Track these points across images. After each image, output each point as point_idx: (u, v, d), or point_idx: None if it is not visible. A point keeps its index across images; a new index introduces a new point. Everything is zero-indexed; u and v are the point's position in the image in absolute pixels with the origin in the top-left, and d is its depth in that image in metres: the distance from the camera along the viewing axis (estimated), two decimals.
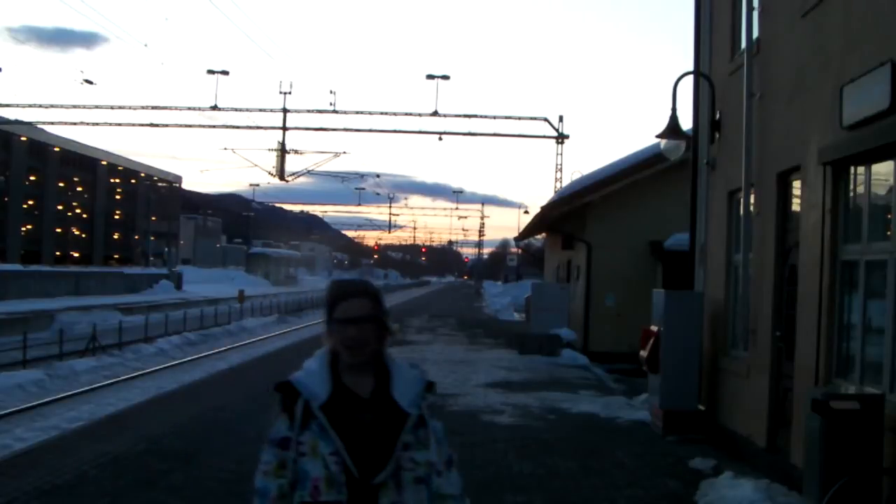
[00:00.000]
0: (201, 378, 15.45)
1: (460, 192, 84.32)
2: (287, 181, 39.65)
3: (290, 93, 35.29)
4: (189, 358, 19.64)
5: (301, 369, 2.35)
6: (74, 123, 36.83)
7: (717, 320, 9.98)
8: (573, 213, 20.52)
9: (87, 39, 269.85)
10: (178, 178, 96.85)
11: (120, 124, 36.50)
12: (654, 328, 10.26)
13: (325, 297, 2.41)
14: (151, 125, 35.85)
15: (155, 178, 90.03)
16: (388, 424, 2.26)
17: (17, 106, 35.62)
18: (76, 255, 74.21)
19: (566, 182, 31.21)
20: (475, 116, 35.20)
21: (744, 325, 8.89)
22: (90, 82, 34.70)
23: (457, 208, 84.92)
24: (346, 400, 2.28)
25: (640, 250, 18.85)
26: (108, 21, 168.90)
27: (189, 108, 35.27)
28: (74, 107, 35.33)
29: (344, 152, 68.99)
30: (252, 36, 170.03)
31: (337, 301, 2.36)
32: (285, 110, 35.16)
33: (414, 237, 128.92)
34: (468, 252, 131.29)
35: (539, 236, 34.93)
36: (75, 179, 74.96)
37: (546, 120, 35.64)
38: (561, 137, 35.55)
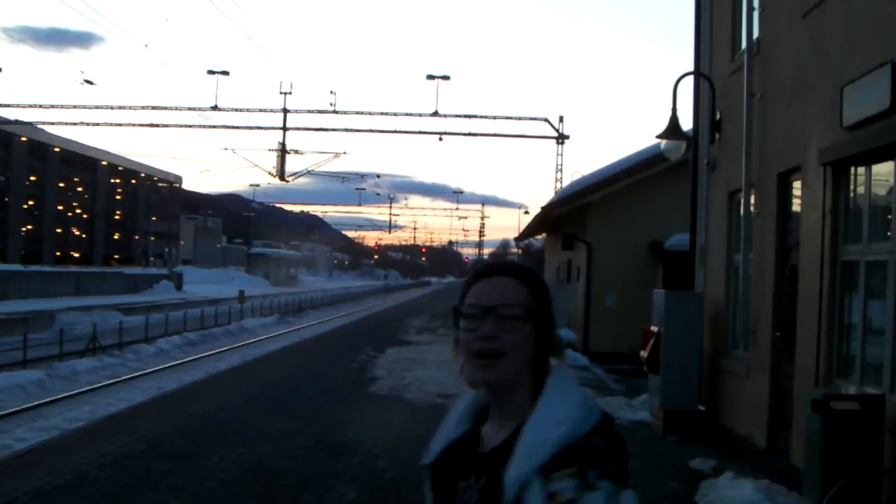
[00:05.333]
0: (201, 378, 15.45)
1: (460, 192, 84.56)
2: (287, 181, 39.68)
3: (290, 93, 35.29)
4: (189, 358, 19.60)
5: None
6: (74, 123, 36.85)
7: (718, 320, 9.98)
8: (573, 214, 20.50)
9: (83, 39, 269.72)
10: (179, 179, 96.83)
11: (120, 124, 36.50)
12: (654, 328, 10.26)
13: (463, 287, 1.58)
14: (151, 125, 35.87)
15: (155, 179, 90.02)
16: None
17: (17, 106, 35.67)
18: (76, 255, 74.19)
19: (566, 182, 31.20)
20: (475, 117, 35.24)
21: (744, 326, 8.90)
22: (90, 82, 34.69)
23: (457, 208, 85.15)
24: (463, 455, 1.51)
25: (640, 251, 18.84)
26: (109, 21, 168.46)
27: (189, 109, 35.30)
28: (74, 107, 35.38)
29: (344, 152, 68.90)
30: (252, 36, 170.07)
31: (469, 284, 1.52)
32: (285, 110, 35.17)
33: (414, 237, 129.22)
34: (468, 252, 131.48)
35: (539, 237, 34.90)
36: (75, 179, 74.96)
37: (546, 120, 35.65)
38: (561, 138, 35.54)
